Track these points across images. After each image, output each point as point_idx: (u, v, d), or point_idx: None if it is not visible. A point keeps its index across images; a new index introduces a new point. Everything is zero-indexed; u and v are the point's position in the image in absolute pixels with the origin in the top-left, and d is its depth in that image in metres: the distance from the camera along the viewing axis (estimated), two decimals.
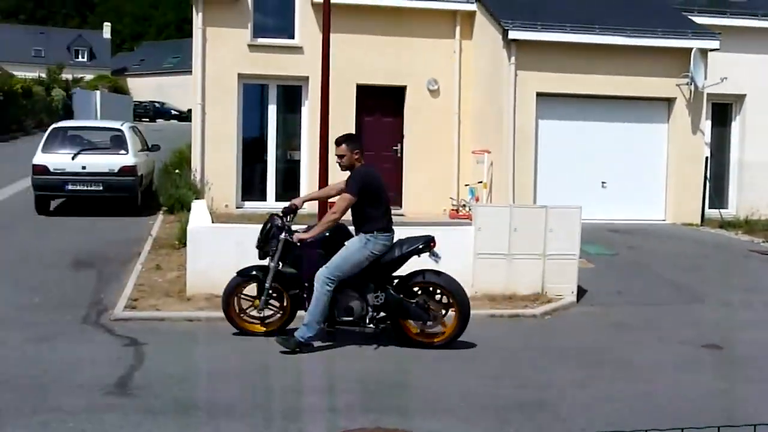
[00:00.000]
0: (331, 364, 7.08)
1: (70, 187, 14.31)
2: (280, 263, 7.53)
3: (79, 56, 76.21)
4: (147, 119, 52.86)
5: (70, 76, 51.42)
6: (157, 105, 60.13)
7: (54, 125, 15.96)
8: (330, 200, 8.10)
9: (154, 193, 16.49)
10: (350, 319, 7.45)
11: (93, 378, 6.35)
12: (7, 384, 6.12)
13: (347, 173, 7.48)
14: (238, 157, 16.25)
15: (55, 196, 14.76)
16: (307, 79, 16.03)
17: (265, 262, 7.63)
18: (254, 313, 7.74)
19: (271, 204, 15.91)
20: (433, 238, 7.60)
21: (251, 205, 16.09)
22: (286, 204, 7.79)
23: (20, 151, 24.76)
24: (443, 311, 7.61)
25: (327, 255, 7.38)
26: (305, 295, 7.50)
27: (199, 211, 11.29)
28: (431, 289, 7.59)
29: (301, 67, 16.07)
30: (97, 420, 5.46)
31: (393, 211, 7.69)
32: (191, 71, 16.63)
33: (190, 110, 53.50)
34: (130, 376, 6.45)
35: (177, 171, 16.23)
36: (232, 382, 6.46)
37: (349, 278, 7.34)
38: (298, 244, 7.37)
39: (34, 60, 68.36)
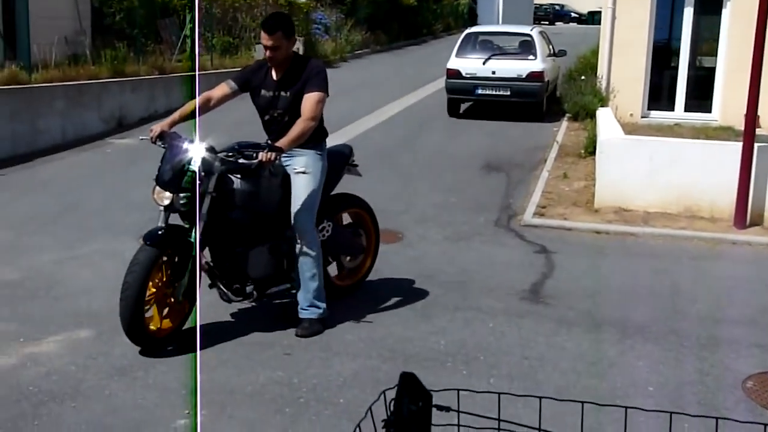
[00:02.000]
0: (756, 297, 6.58)
1: (479, 91, 14.82)
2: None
3: None
4: (546, 22, 52.80)
5: None
6: (557, 7, 59.75)
7: (467, 30, 16.58)
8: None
9: (557, 99, 16.47)
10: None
11: (507, 282, 6.58)
12: (432, 279, 6.58)
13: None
14: (647, 64, 15.47)
15: (465, 99, 15.41)
16: None
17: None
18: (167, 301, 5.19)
19: (679, 114, 15.05)
20: (351, 147, 6.17)
21: (657, 115, 15.33)
22: (157, 129, 5.17)
23: (430, 54, 26.23)
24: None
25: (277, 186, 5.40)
26: (246, 252, 5.33)
27: (607, 120, 11.06)
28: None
29: None
30: (514, 324, 5.67)
31: None
32: None
33: (590, 13, 52.72)
34: (542, 284, 6.59)
35: (582, 77, 15.99)
36: (645, 301, 6.29)
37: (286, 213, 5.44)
38: (274, 161, 4.98)
39: None
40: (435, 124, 14.54)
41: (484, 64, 14.76)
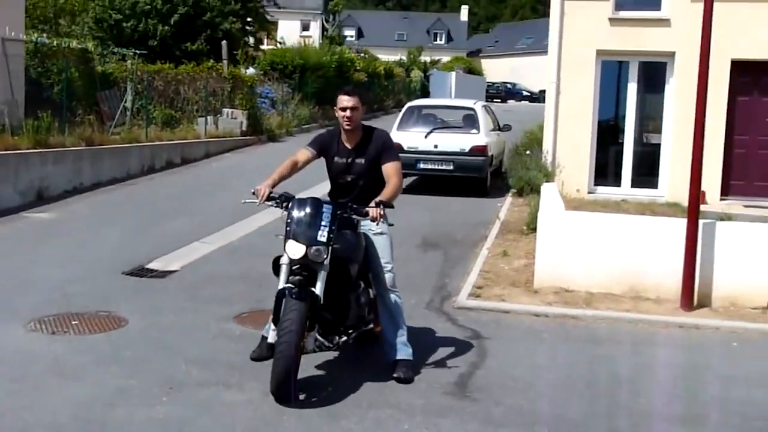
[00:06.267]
0: (703, 388, 5.99)
1: (421, 165, 14.41)
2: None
3: (437, 39, 79.52)
4: (498, 100, 53.43)
5: (428, 58, 53.57)
6: (508, 86, 60.66)
7: (409, 104, 16.24)
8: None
9: (503, 174, 16.10)
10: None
11: (431, 373, 5.90)
12: (345, 370, 5.88)
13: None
14: (593, 139, 15.19)
15: (407, 173, 14.90)
16: (672, 54, 14.54)
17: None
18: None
19: (626, 190, 14.74)
20: None
21: (604, 191, 14.99)
22: (264, 191, 5.62)
23: None
24: None
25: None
26: (349, 301, 5.74)
27: (550, 195, 10.59)
28: None
29: (667, 42, 14.57)
30: (432, 425, 4.97)
31: None
32: (544, 52, 15.94)
33: (541, 91, 53.60)
34: (471, 375, 5.92)
35: (527, 152, 15.67)
36: (582, 395, 5.66)
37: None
38: (383, 214, 5.45)
39: (397, 44, 72.43)
40: None
41: (426, 137, 14.37)
